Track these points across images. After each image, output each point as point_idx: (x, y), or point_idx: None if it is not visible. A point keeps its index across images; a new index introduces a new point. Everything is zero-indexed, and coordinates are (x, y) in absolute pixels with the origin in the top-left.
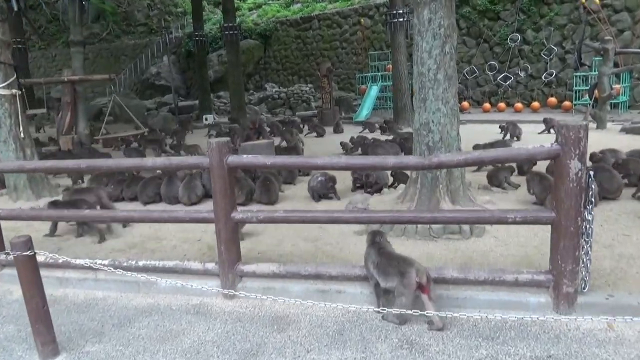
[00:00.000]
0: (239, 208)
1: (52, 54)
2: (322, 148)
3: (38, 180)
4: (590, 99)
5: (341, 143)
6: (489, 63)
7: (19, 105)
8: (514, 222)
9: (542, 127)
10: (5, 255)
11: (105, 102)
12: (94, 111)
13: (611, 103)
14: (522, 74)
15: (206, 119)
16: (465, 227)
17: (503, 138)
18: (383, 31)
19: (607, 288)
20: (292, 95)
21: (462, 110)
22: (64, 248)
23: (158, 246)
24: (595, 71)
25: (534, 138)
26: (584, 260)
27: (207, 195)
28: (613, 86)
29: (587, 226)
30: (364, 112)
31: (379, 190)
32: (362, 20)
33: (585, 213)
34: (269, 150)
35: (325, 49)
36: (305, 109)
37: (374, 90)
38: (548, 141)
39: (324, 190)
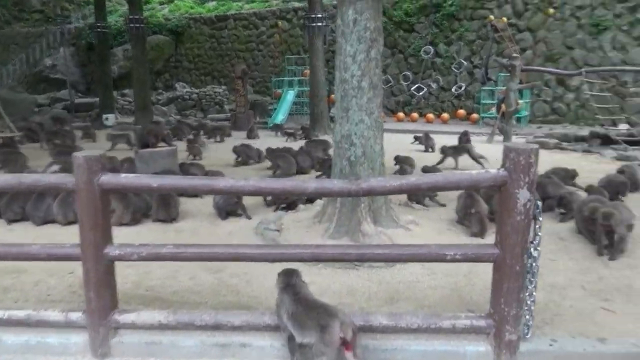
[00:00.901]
0: (120, 237)
1: None
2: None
3: None
4: (497, 113)
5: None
6: (403, 73)
7: None
8: (454, 260)
9: (455, 138)
10: None
11: None
12: None
13: (515, 117)
14: (434, 86)
15: (106, 119)
16: None
17: (425, 149)
18: (301, 35)
19: (545, 327)
20: (204, 96)
21: None
22: None
23: (14, 282)
24: (500, 86)
25: None
26: (528, 302)
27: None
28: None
29: (533, 264)
30: (280, 116)
31: (293, 206)
32: (279, 22)
33: (532, 249)
34: (170, 158)
35: (240, 50)
36: (218, 111)
37: (290, 95)
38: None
39: (230, 207)
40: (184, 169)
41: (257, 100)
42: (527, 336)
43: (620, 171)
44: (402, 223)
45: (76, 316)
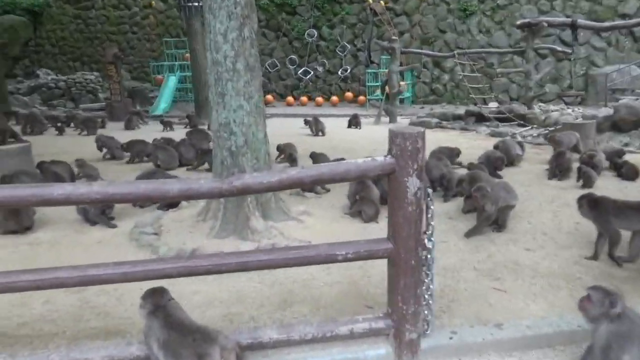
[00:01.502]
0: None
1: None
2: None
3: None
4: (382, 95)
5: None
6: (289, 57)
7: None
8: (346, 260)
9: (345, 121)
10: None
11: None
12: None
13: (399, 98)
14: (320, 69)
15: None
16: None
17: (315, 133)
18: (179, 17)
19: (444, 317)
20: (73, 84)
21: (266, 103)
22: None
23: None
24: (383, 68)
25: (340, 133)
26: (426, 297)
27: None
28: (400, 83)
29: (428, 256)
30: (162, 104)
31: (175, 204)
32: (152, 2)
33: (426, 240)
34: (22, 157)
35: (112, 32)
36: (92, 100)
37: (171, 81)
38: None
39: (97, 211)
40: (44, 169)
41: (135, 88)
42: (427, 332)
43: (496, 147)
44: (294, 215)
45: None
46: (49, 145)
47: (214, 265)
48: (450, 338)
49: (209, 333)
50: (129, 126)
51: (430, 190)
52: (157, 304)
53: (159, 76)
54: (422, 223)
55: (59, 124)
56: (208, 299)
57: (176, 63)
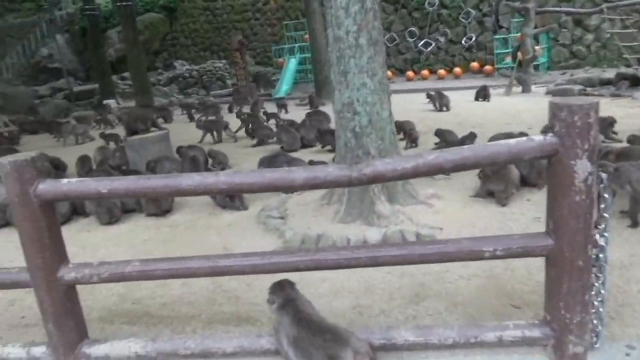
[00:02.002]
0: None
1: None
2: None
3: None
4: (514, 62)
5: None
6: (408, 29)
7: None
8: (494, 257)
9: (472, 94)
10: None
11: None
12: None
13: (533, 65)
14: (441, 40)
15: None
16: (410, 237)
17: (439, 108)
18: None
19: (613, 325)
20: (204, 72)
21: None
22: None
23: None
24: (514, 33)
25: (466, 107)
26: (596, 304)
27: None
28: (535, 47)
29: (600, 255)
30: (284, 87)
31: None
32: None
33: (597, 236)
34: (162, 144)
35: (237, 20)
36: (221, 87)
37: (292, 63)
38: (483, 109)
39: (223, 196)
40: (182, 153)
41: (259, 72)
42: (596, 345)
43: None
44: (422, 198)
45: (40, 351)
46: (182, 132)
47: (344, 259)
48: (627, 355)
49: (340, 334)
50: (255, 109)
51: (604, 175)
52: (287, 298)
53: (280, 59)
54: (593, 215)
55: (192, 110)
56: (335, 288)
57: (296, 45)
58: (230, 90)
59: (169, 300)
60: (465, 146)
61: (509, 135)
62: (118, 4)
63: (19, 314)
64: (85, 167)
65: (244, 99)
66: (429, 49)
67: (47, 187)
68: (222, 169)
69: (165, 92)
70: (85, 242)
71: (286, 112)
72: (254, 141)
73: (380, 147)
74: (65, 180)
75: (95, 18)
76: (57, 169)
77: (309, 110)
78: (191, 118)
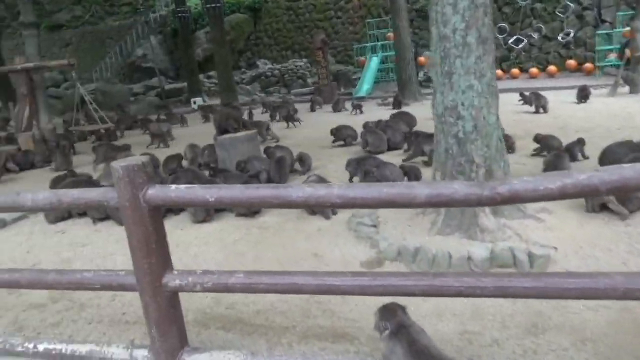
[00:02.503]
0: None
1: (39, 41)
2: (313, 134)
3: None
4: (621, 60)
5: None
6: (498, 25)
7: None
8: None
9: (570, 94)
10: None
11: (93, 89)
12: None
13: None
14: (535, 36)
15: (194, 102)
16: (522, 256)
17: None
18: None
19: None
20: (286, 71)
21: None
22: None
23: (92, 295)
24: (620, 27)
25: (566, 109)
26: None
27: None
28: None
29: None
30: (365, 86)
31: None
32: None
33: None
34: (251, 144)
35: (319, 19)
36: (302, 85)
37: (374, 62)
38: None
39: None
40: (270, 153)
41: (340, 71)
42: None
43: None
44: (531, 212)
45: (142, 355)
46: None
47: (467, 288)
48: None
49: None
50: (336, 108)
51: None
52: (400, 325)
53: (362, 58)
54: None
55: (272, 108)
56: (439, 309)
57: (378, 43)
58: (311, 88)
59: (262, 308)
60: (625, 165)
61: (633, 145)
62: (208, 5)
63: (120, 310)
64: (173, 165)
65: (326, 98)
66: (520, 45)
67: (156, 192)
68: (308, 170)
69: (247, 90)
70: (178, 240)
71: (361, 112)
72: (334, 142)
73: (486, 155)
74: (173, 187)
75: (186, 20)
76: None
77: (392, 111)
78: (273, 117)
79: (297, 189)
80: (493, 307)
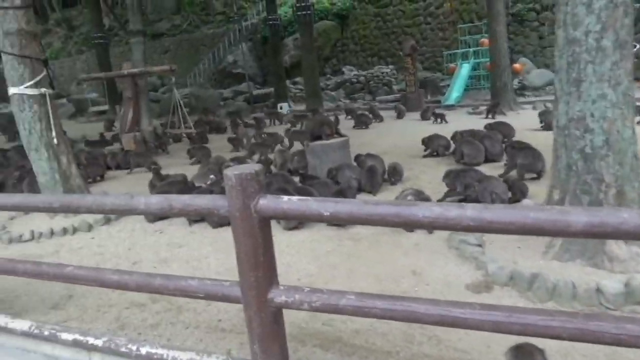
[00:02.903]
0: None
1: (145, 48)
2: (400, 142)
3: (77, 193)
4: None
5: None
6: None
7: (49, 107)
8: None
9: None
10: None
11: (187, 94)
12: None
13: None
14: None
15: (281, 108)
16: None
17: None
18: (474, 1)
19: None
20: (371, 78)
21: None
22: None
23: (189, 299)
24: None
25: None
26: None
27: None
28: None
29: None
30: (454, 94)
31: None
32: None
33: None
34: (343, 151)
35: (407, 25)
36: (387, 92)
37: (465, 69)
38: None
39: None
40: (360, 162)
41: (427, 78)
42: None
43: None
44: None
45: None
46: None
47: (629, 337)
48: None
49: None
50: (424, 117)
51: None
52: None
53: (452, 65)
54: None
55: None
56: (563, 348)
57: (470, 49)
58: (397, 95)
59: (360, 327)
60: None
61: None
62: (299, 13)
63: (215, 316)
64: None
65: (412, 106)
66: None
67: (267, 203)
68: (399, 180)
69: (332, 96)
70: None
71: (445, 121)
72: (426, 152)
73: (618, 174)
74: (285, 198)
75: (276, 27)
76: None
77: (484, 120)
78: (359, 123)
79: (424, 207)
80: (633, 352)
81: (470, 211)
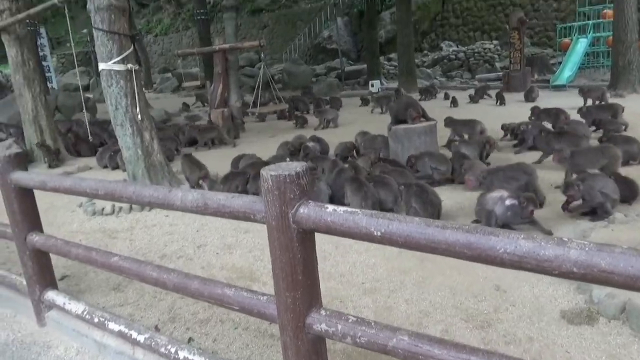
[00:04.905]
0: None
1: (237, 23)
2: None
3: (157, 169)
4: None
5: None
6: None
7: (134, 83)
8: None
9: None
10: None
11: (280, 70)
12: (265, 80)
13: None
14: None
15: (372, 85)
16: None
17: None
18: None
19: None
20: (472, 54)
21: None
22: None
23: (222, 316)
24: None
25: None
26: None
27: None
28: None
29: None
30: (567, 73)
31: (601, 214)
32: None
33: None
34: (429, 136)
35: None
36: (488, 70)
37: (581, 44)
38: None
39: (516, 220)
40: (454, 151)
41: (535, 55)
42: None
43: None
44: None
45: None
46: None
47: None
48: None
49: None
50: (529, 97)
51: None
52: None
53: (566, 40)
54: None
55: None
56: None
57: (589, 22)
58: (499, 74)
59: None
60: None
61: None
62: None
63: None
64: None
65: (517, 86)
66: None
67: (308, 212)
68: None
69: (428, 74)
70: (338, 242)
71: (503, 103)
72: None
73: None
74: (330, 208)
75: (372, 0)
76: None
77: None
78: (453, 103)
79: (507, 238)
80: None
81: (576, 252)
